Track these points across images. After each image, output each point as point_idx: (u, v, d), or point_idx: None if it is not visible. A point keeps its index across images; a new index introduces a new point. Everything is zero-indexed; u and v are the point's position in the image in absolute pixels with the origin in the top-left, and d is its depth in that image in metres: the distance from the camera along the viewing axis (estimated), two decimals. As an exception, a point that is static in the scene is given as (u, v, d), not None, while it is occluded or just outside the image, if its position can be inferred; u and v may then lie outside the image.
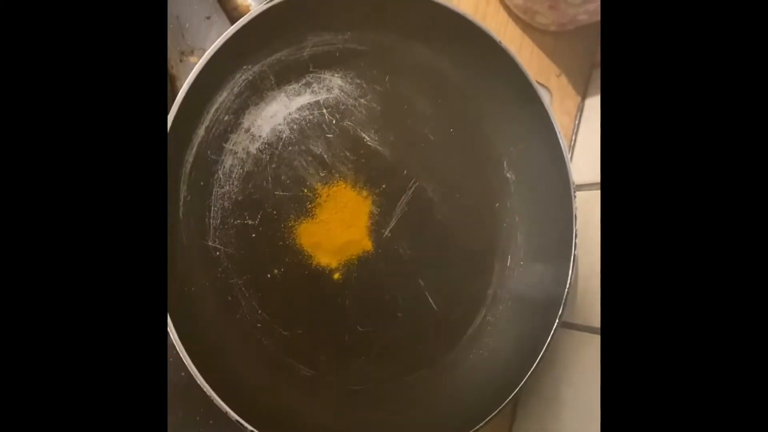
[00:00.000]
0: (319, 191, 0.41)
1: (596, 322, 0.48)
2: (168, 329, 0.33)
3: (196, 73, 0.35)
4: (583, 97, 0.60)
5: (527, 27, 0.57)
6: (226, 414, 0.34)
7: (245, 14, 0.36)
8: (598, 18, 0.52)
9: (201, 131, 0.38)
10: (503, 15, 0.56)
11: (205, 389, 0.34)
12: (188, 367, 0.33)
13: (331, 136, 0.42)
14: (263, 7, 0.36)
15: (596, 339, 0.48)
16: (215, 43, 0.35)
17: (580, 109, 0.59)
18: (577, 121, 0.59)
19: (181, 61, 0.40)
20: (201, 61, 0.34)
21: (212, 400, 0.34)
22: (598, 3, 0.50)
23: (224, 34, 0.35)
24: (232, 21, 0.36)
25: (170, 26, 0.40)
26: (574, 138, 0.59)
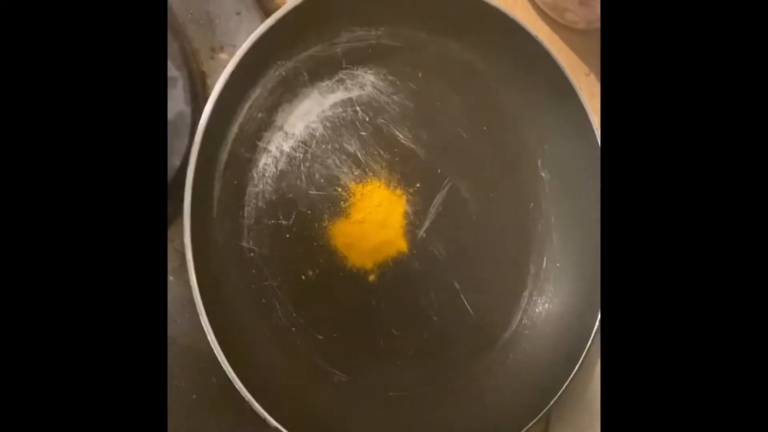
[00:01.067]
0: (353, 190, 0.40)
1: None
2: (206, 333, 0.32)
3: (231, 69, 0.34)
4: (613, 96, 0.58)
5: (555, 25, 0.56)
6: (264, 420, 0.33)
7: (281, 7, 0.35)
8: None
9: (235, 128, 0.37)
10: (531, 12, 0.55)
11: (244, 395, 0.32)
12: (226, 372, 0.32)
13: (364, 133, 0.41)
14: (298, 0, 0.35)
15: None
16: (250, 38, 0.34)
17: (610, 108, 0.58)
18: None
19: (211, 58, 0.39)
20: (237, 54, 0.33)
21: (250, 406, 0.33)
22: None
23: (259, 28, 0.34)
24: (268, 14, 0.35)
25: (200, 22, 0.39)
26: (604, 137, 0.57)
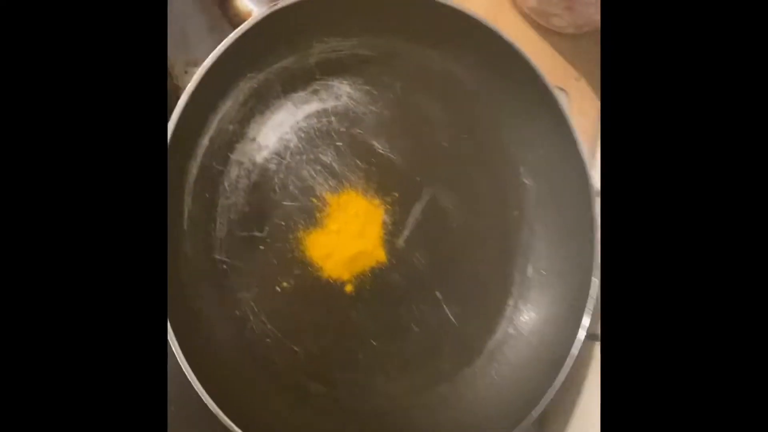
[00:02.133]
0: (328, 200, 0.40)
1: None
2: (172, 347, 0.32)
3: (196, 81, 0.34)
4: (604, 101, 0.58)
5: (543, 30, 0.55)
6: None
7: (246, 21, 0.35)
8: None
9: (205, 141, 0.37)
10: (517, 18, 0.55)
11: (213, 410, 0.32)
12: (195, 387, 0.32)
13: (340, 144, 0.41)
14: (264, 12, 0.36)
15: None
16: (214, 51, 0.34)
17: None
18: (598, 125, 0.57)
19: (186, 72, 0.40)
20: (200, 69, 0.34)
21: (222, 423, 0.32)
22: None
23: (224, 41, 0.34)
24: (234, 28, 0.36)
25: (174, 37, 0.40)
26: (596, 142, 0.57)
